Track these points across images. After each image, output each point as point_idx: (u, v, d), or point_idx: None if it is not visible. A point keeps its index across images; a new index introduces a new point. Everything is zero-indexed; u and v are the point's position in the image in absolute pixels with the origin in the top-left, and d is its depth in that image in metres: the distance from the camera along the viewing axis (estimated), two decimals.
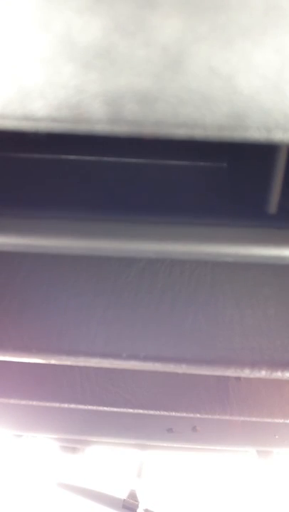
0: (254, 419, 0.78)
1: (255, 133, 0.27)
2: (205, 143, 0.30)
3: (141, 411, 0.77)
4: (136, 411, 0.77)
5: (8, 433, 1.29)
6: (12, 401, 0.76)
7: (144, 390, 0.78)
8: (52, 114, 0.26)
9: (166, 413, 0.78)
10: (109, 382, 0.77)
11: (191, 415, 0.77)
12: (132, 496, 2.20)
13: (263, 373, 0.49)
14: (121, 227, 0.41)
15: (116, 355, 0.49)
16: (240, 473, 2.45)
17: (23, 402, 0.76)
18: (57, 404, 0.76)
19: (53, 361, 0.51)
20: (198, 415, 0.77)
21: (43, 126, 0.27)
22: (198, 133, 0.27)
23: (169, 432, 0.98)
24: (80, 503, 2.27)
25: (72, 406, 0.77)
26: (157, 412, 0.77)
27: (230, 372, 0.50)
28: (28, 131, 0.28)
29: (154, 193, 0.49)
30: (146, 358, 0.49)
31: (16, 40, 0.24)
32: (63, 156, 0.52)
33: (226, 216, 0.43)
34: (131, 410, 0.77)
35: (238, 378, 0.77)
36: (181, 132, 0.27)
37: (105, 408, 0.77)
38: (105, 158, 0.52)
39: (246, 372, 0.50)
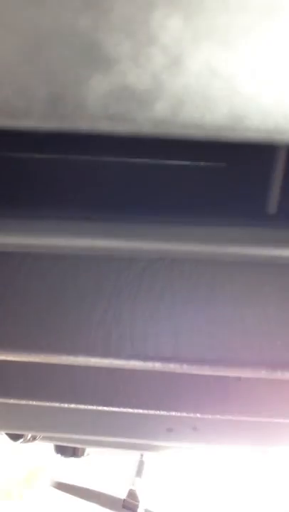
0: (254, 419, 0.78)
1: (254, 133, 0.27)
2: (205, 143, 0.30)
3: (141, 411, 0.77)
4: (136, 411, 0.77)
5: (8, 433, 1.30)
6: (12, 401, 0.76)
7: (144, 390, 0.78)
8: (52, 114, 0.26)
9: (166, 413, 0.77)
10: (110, 382, 0.77)
11: (191, 415, 0.77)
12: (132, 495, 2.20)
13: (263, 373, 0.49)
14: (121, 227, 0.41)
15: (116, 355, 0.49)
16: (240, 473, 2.45)
17: (23, 402, 0.76)
18: (57, 404, 0.76)
19: (53, 361, 0.51)
20: (198, 415, 0.77)
21: (43, 126, 0.27)
22: (198, 133, 0.27)
23: (169, 431, 0.98)
24: (80, 503, 2.27)
25: (72, 406, 0.77)
26: (157, 412, 0.77)
27: (230, 372, 0.50)
28: (28, 131, 0.28)
29: (154, 193, 0.49)
30: (146, 358, 0.49)
31: (16, 39, 0.24)
32: (63, 156, 0.52)
33: (226, 216, 0.43)
34: (131, 410, 0.77)
35: (238, 378, 0.77)
36: (181, 132, 0.27)
37: (105, 408, 0.77)
38: (105, 158, 0.52)
39: (246, 372, 0.50)
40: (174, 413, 0.78)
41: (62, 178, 0.52)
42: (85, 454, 1.65)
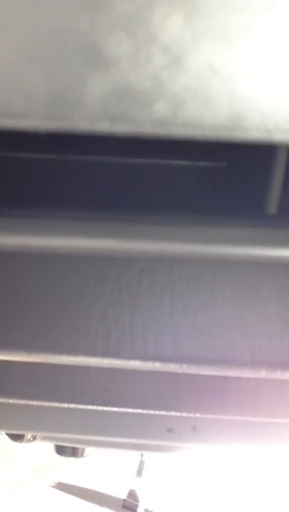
0: (254, 419, 0.78)
1: (254, 133, 0.27)
2: (205, 143, 0.30)
3: (141, 411, 0.77)
4: (136, 411, 0.77)
5: (8, 433, 1.30)
6: (12, 401, 0.76)
7: (144, 390, 0.77)
8: (52, 114, 0.26)
9: (166, 413, 0.77)
10: (109, 382, 0.77)
11: (191, 415, 0.77)
12: (132, 495, 2.20)
13: (263, 373, 0.49)
14: (121, 227, 0.41)
15: (116, 355, 0.49)
16: (240, 473, 2.45)
17: (23, 402, 0.76)
18: (57, 404, 0.76)
19: (53, 361, 0.51)
20: (198, 415, 0.77)
21: (43, 126, 0.27)
22: (198, 133, 0.27)
23: (169, 431, 0.98)
24: (80, 503, 2.27)
25: (72, 406, 0.77)
26: (157, 412, 0.77)
27: (230, 372, 0.50)
28: (28, 131, 0.28)
29: (154, 193, 0.49)
30: (146, 358, 0.49)
31: (16, 39, 0.24)
32: (63, 156, 0.52)
33: (226, 216, 0.43)
34: (131, 410, 0.77)
35: (238, 378, 0.77)
36: (181, 132, 0.27)
37: (105, 408, 0.77)
38: (105, 158, 0.52)
39: (246, 372, 0.50)
40: (174, 413, 0.78)
41: (62, 178, 0.52)
42: (85, 454, 1.65)
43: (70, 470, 2.37)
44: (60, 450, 1.65)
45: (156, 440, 1.01)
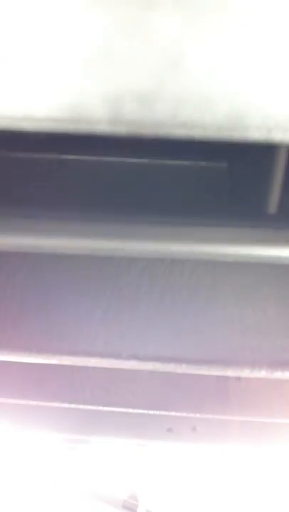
0: (254, 419, 0.78)
1: (255, 133, 0.27)
2: (205, 143, 0.30)
3: (141, 411, 0.77)
4: (136, 411, 0.77)
5: (9, 433, 1.29)
6: (12, 401, 0.76)
7: (144, 390, 0.78)
8: (52, 114, 0.26)
9: (166, 413, 0.77)
10: (109, 382, 0.77)
11: (191, 415, 0.77)
12: (132, 496, 2.21)
13: (263, 373, 0.49)
14: (121, 227, 0.41)
15: (116, 355, 0.50)
16: (240, 473, 2.45)
17: (23, 402, 0.76)
18: (57, 404, 0.76)
19: (53, 361, 0.51)
20: (198, 415, 0.77)
21: (43, 126, 0.27)
22: (198, 133, 0.27)
23: (169, 431, 0.98)
24: (80, 503, 2.27)
25: (72, 406, 0.77)
26: (157, 412, 0.77)
27: (230, 372, 0.50)
28: (28, 131, 0.28)
29: (154, 193, 0.49)
30: (146, 358, 0.49)
31: (16, 40, 0.25)
32: (63, 156, 0.52)
33: (226, 216, 0.43)
34: (131, 410, 0.77)
35: (238, 378, 0.77)
36: (180, 132, 0.27)
37: (105, 408, 0.77)
38: (105, 158, 0.52)
39: (246, 372, 0.50)
40: (174, 413, 0.78)
41: (63, 178, 0.52)
42: (85, 453, 1.65)
43: (70, 470, 2.37)
44: (60, 450, 1.65)
45: (156, 440, 1.01)
